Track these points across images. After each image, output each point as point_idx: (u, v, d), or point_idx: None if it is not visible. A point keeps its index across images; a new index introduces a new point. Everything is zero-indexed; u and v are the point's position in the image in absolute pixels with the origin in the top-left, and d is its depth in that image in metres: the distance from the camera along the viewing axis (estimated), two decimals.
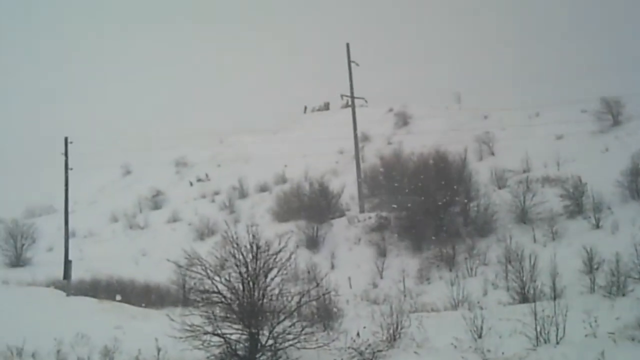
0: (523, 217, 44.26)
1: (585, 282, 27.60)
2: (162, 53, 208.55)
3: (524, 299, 25.96)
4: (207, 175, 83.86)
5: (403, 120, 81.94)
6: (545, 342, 17.70)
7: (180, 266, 24.59)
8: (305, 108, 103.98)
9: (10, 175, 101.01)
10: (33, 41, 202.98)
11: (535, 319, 17.98)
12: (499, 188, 50.67)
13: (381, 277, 42.27)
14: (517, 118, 68.97)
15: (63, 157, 45.01)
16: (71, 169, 45.23)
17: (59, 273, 40.92)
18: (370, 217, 52.32)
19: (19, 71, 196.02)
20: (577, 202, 42.90)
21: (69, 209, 46.03)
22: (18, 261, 55.51)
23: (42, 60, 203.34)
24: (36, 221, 65.97)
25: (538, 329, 17.90)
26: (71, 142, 45.10)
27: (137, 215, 74.91)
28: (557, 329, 17.69)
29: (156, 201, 79.01)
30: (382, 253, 45.94)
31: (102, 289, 37.92)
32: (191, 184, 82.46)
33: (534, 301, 20.89)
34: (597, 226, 39.82)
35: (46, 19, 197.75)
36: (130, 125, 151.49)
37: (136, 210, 76.77)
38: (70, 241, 45.23)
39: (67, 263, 38.54)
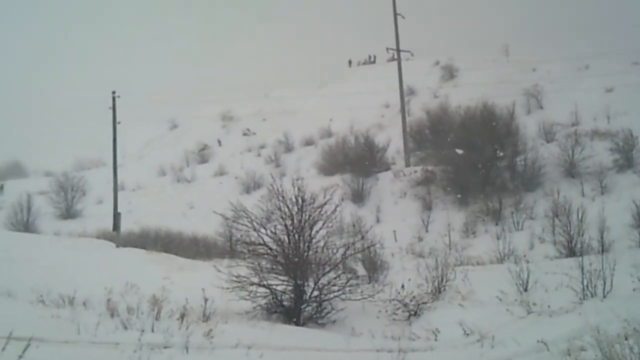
0: (571, 171, 43.76)
1: (634, 236, 27.27)
2: (210, 10, 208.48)
3: (571, 253, 25.65)
4: (248, 130, 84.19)
5: (449, 73, 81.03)
6: (592, 296, 17.46)
7: (226, 218, 24.88)
8: (350, 62, 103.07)
9: (60, 129, 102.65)
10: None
11: (582, 273, 17.70)
12: (547, 142, 50.00)
13: (426, 231, 42.21)
14: (566, 70, 67.77)
15: (111, 112, 45.29)
16: (119, 122, 45.43)
17: (109, 225, 41.52)
18: (415, 171, 52.14)
19: (68, 28, 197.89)
20: (627, 156, 42.32)
21: (118, 163, 46.41)
22: (69, 213, 56.88)
23: (94, 17, 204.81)
24: (86, 174, 67.21)
25: (585, 283, 17.63)
26: (119, 97, 45.19)
27: (184, 168, 75.70)
28: (604, 283, 17.40)
29: (203, 155, 79.76)
30: (428, 207, 45.83)
31: (150, 241, 38.52)
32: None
33: (581, 255, 20.61)
34: None
35: None
36: (177, 79, 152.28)
37: (183, 164, 77.58)
38: (119, 194, 45.65)
39: (116, 215, 39.06)
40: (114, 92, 45.26)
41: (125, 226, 39.63)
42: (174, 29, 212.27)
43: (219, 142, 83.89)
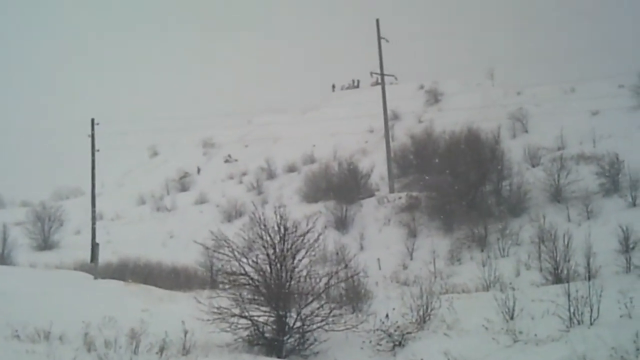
0: (557, 195, 43.56)
1: (621, 262, 26.97)
2: (190, 35, 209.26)
3: (558, 279, 25.33)
4: (230, 156, 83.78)
5: (434, 97, 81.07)
6: (579, 323, 17.32)
7: (207, 248, 24.51)
8: (334, 87, 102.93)
9: (37, 158, 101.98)
10: (59, 26, 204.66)
11: (569, 300, 17.58)
12: (533, 166, 49.84)
13: (411, 258, 41.78)
14: (551, 94, 67.98)
15: (90, 140, 44.94)
16: (98, 150, 45.14)
17: (87, 256, 41.07)
18: (400, 197, 51.82)
19: (45, 55, 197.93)
20: (613, 180, 42.15)
21: (97, 192, 45.98)
22: (46, 244, 55.87)
23: (69, 45, 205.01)
24: (64, 204, 66.48)
25: (571, 310, 17.50)
26: (97, 124, 44.99)
27: (164, 197, 75.09)
28: (591, 310, 17.25)
29: (183, 183, 79.19)
30: (412, 234, 45.46)
31: (129, 272, 37.95)
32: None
33: (568, 282, 20.38)
34: (634, 204, 39.10)
35: (73, 5, 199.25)
36: (157, 106, 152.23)
37: (163, 192, 76.98)
38: (98, 224, 45.29)
39: (94, 246, 38.50)
40: (92, 120, 44.97)
41: (104, 256, 39.01)
42: (156, 56, 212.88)
43: (198, 169, 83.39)
